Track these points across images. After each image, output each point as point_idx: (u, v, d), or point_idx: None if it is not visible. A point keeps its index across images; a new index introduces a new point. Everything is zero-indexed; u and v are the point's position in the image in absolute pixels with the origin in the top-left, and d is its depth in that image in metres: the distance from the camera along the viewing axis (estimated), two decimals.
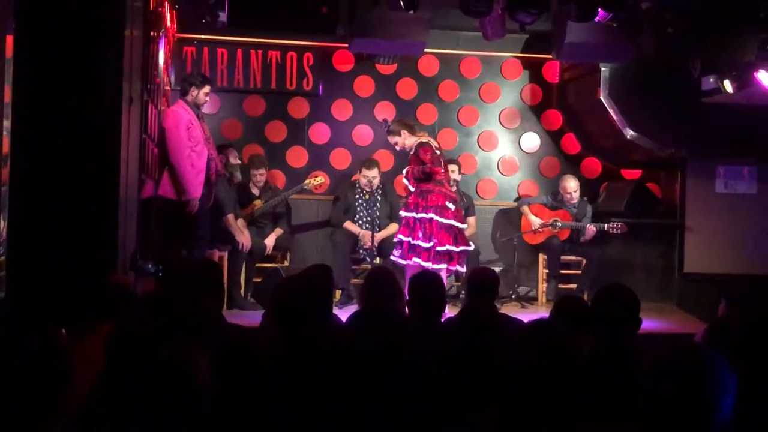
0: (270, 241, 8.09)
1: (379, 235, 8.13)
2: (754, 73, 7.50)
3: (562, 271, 8.58)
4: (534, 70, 9.32)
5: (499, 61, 9.28)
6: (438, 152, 7.47)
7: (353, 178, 8.66)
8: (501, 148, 9.37)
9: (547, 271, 8.59)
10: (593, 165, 9.38)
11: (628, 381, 2.70)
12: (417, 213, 7.32)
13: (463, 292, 7.81)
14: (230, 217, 7.72)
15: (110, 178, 4.92)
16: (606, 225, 8.28)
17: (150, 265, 5.41)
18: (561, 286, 8.51)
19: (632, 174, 9.37)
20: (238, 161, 8.08)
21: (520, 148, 9.37)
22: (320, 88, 8.96)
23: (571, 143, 9.34)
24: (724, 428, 2.17)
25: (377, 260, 8.11)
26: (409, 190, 7.48)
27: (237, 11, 6.87)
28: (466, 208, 8.45)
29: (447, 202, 7.33)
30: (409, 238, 7.31)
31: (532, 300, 8.75)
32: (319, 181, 8.41)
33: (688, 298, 8.55)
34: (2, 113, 4.40)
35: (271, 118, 8.98)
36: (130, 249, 5.40)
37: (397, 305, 4.25)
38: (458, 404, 2.74)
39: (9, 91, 4.48)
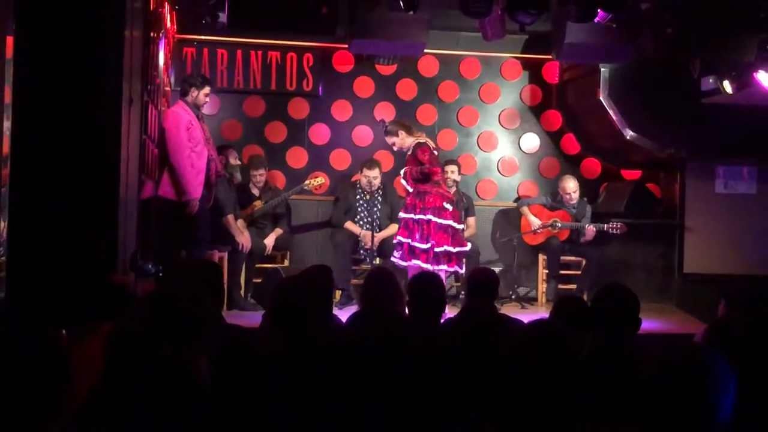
0: (269, 242, 8.09)
1: (379, 236, 8.13)
2: (754, 74, 7.50)
3: (562, 272, 8.58)
4: (534, 70, 9.32)
5: (498, 62, 9.29)
6: (435, 152, 7.49)
7: (353, 179, 8.66)
8: (501, 148, 9.37)
9: (546, 271, 8.59)
10: (593, 165, 9.38)
11: (628, 381, 2.70)
12: (414, 214, 7.33)
13: (462, 292, 7.81)
14: (230, 217, 7.72)
15: (110, 179, 4.92)
16: (605, 225, 8.28)
17: (150, 266, 5.42)
18: (561, 286, 8.51)
19: (632, 174, 9.37)
20: (238, 162, 8.08)
21: (520, 148, 9.37)
22: (320, 88, 8.97)
23: (571, 144, 9.35)
24: (724, 428, 2.17)
25: (377, 261, 8.11)
26: (407, 191, 7.49)
27: (237, 12, 6.87)
28: (466, 209, 8.46)
29: (444, 203, 7.35)
30: (409, 240, 7.32)
31: (532, 300, 8.75)
32: (319, 182, 8.41)
33: (687, 298, 8.55)
34: (2, 114, 4.40)
35: (270, 118, 8.98)
36: (130, 249, 5.40)
37: (397, 306, 4.26)
38: (458, 404, 2.74)
39: (9, 91, 4.48)
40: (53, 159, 4.70)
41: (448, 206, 7.36)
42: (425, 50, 8.29)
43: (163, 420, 2.20)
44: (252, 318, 6.28)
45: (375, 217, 8.23)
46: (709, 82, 7.97)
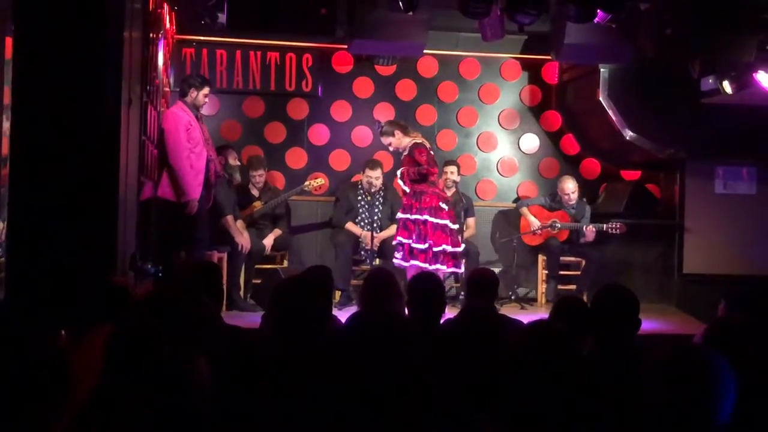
0: (268, 242, 8.08)
1: (379, 236, 8.13)
2: (753, 74, 7.49)
3: (562, 272, 8.58)
4: (533, 71, 9.32)
5: (498, 62, 9.29)
6: (432, 152, 7.50)
7: (354, 179, 8.66)
8: (500, 149, 9.37)
9: (546, 271, 8.59)
10: (592, 166, 9.39)
11: (628, 382, 2.70)
12: (411, 215, 7.34)
13: (462, 293, 7.81)
14: (229, 218, 7.72)
15: (110, 180, 4.91)
16: (605, 225, 8.28)
17: (149, 266, 5.42)
18: (560, 287, 8.51)
19: (631, 175, 9.37)
20: (238, 162, 8.07)
21: (520, 149, 9.38)
22: (319, 89, 8.97)
23: (571, 144, 9.35)
24: (724, 428, 2.17)
25: (377, 261, 8.10)
26: (404, 191, 7.49)
27: (236, 13, 6.88)
28: (465, 210, 8.46)
29: (441, 203, 7.36)
30: (409, 241, 7.33)
31: (532, 301, 8.76)
32: (319, 183, 8.40)
33: (687, 298, 8.55)
34: (2, 115, 4.40)
35: (270, 119, 8.98)
36: (130, 250, 5.40)
37: (397, 306, 4.25)
38: (458, 404, 2.73)
39: (8, 92, 4.48)
40: (52, 160, 4.70)
41: (444, 206, 7.38)
42: (425, 51, 8.29)
43: (163, 420, 2.20)
44: (251, 319, 6.29)
45: (376, 217, 8.23)
46: (709, 82, 7.97)
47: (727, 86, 7.75)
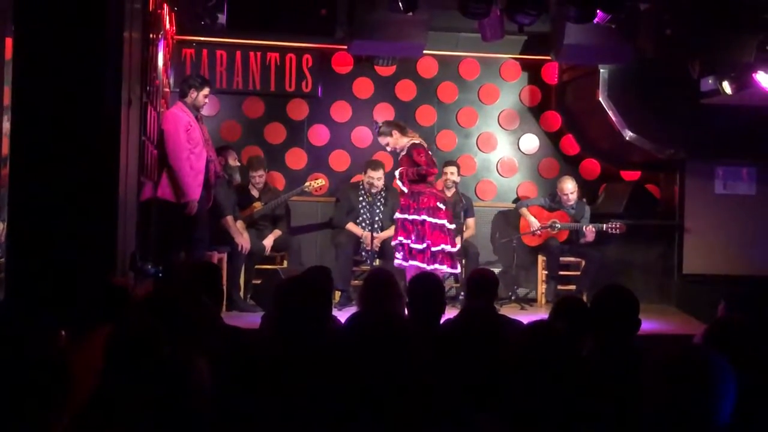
0: (268, 242, 8.08)
1: (380, 237, 8.13)
2: (753, 74, 7.50)
3: (562, 272, 8.58)
4: (533, 71, 9.33)
5: (497, 63, 9.29)
6: (430, 153, 7.51)
7: (354, 179, 8.66)
8: (500, 149, 9.37)
9: (546, 272, 8.60)
10: (592, 166, 9.39)
11: (628, 382, 2.70)
12: (409, 215, 7.34)
13: (462, 293, 7.81)
14: (229, 218, 7.72)
15: (109, 180, 4.91)
16: (605, 225, 8.28)
17: (149, 267, 5.42)
18: (560, 287, 8.50)
19: (631, 175, 9.37)
20: (238, 163, 8.08)
21: (519, 149, 9.38)
22: (319, 89, 8.97)
23: (570, 144, 9.35)
24: (724, 428, 2.17)
25: (377, 262, 8.10)
26: (402, 192, 7.50)
27: (236, 13, 6.87)
28: (465, 210, 8.46)
29: (438, 203, 7.37)
30: (409, 241, 7.33)
31: (532, 301, 8.76)
32: (320, 184, 8.40)
33: (687, 299, 8.55)
34: (2, 115, 4.40)
35: (270, 119, 8.98)
36: (130, 250, 5.40)
37: (397, 306, 4.25)
38: (458, 404, 2.73)
39: (8, 92, 4.48)
40: (52, 160, 4.70)
41: (442, 206, 7.38)
42: (424, 51, 8.29)
43: (163, 421, 2.20)
44: (251, 319, 6.29)
45: (377, 218, 8.22)
46: (709, 82, 7.97)
47: (726, 86, 7.75)
